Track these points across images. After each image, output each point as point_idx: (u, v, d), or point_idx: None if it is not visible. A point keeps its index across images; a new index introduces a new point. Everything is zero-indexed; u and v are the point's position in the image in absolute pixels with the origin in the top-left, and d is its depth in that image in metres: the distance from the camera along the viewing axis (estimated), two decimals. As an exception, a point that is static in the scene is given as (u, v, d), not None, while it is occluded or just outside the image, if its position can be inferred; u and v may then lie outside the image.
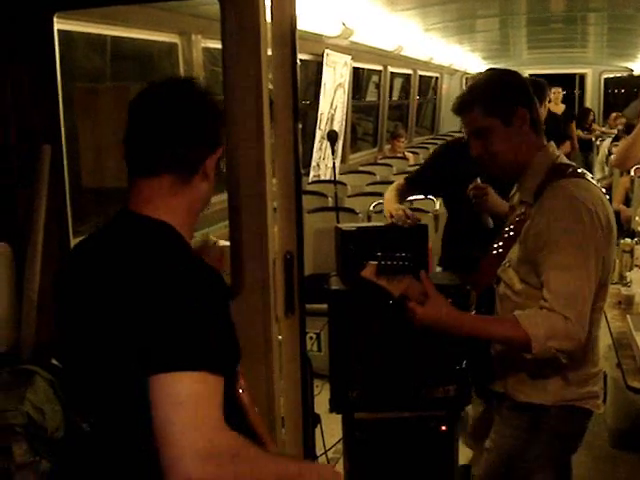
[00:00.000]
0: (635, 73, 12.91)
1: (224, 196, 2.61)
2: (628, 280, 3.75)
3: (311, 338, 4.29)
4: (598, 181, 2.80)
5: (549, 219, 2.09)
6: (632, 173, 5.37)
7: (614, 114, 11.28)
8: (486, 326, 2.19)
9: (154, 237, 1.55)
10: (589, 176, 2.22)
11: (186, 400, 1.36)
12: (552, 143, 2.31)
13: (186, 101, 1.59)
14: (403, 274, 2.22)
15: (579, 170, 2.21)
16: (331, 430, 3.12)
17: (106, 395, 1.56)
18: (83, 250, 1.67)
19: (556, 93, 9.53)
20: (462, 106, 2.28)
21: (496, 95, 2.22)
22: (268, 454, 1.65)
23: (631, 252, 3.92)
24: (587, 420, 2.28)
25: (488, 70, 2.41)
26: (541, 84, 4.20)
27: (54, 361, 2.45)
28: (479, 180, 2.86)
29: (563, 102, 10.10)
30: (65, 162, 2.68)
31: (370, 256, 2.30)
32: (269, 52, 2.42)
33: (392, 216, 2.78)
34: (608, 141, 8.24)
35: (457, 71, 12.91)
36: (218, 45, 2.48)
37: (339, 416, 2.95)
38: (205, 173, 1.60)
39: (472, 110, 2.24)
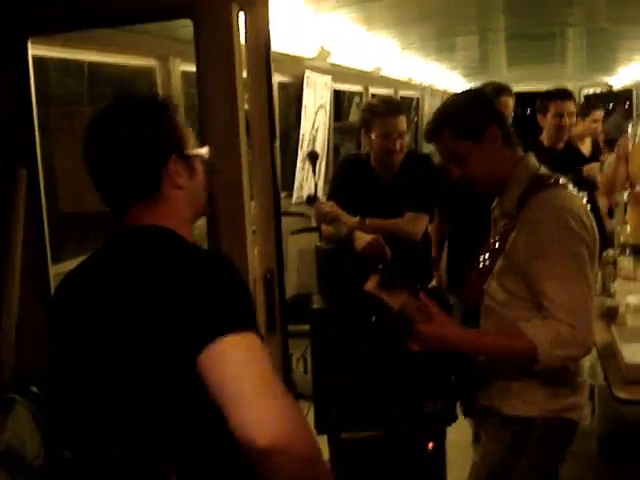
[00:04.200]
0: (614, 88, 13.02)
1: (203, 219, 2.60)
2: (612, 291, 3.76)
3: (297, 360, 4.27)
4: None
5: (538, 231, 2.09)
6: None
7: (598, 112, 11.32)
8: (492, 340, 2.18)
9: (161, 235, 1.57)
10: (571, 186, 2.23)
11: (250, 357, 1.35)
12: (531, 153, 2.32)
13: (117, 127, 1.57)
14: (402, 289, 2.22)
15: (561, 181, 2.22)
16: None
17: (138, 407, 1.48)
18: (86, 268, 1.64)
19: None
20: (432, 133, 2.30)
21: (464, 117, 2.23)
22: None
23: (614, 263, 3.93)
24: (573, 431, 2.27)
25: (453, 95, 2.44)
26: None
27: (34, 388, 2.42)
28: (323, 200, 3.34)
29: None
30: (42, 187, 2.66)
31: (369, 270, 2.30)
32: (244, 73, 2.42)
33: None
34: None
35: (438, 91, 12.97)
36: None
37: (325, 437, 2.93)
38: (173, 183, 1.60)
39: (442, 135, 2.26)
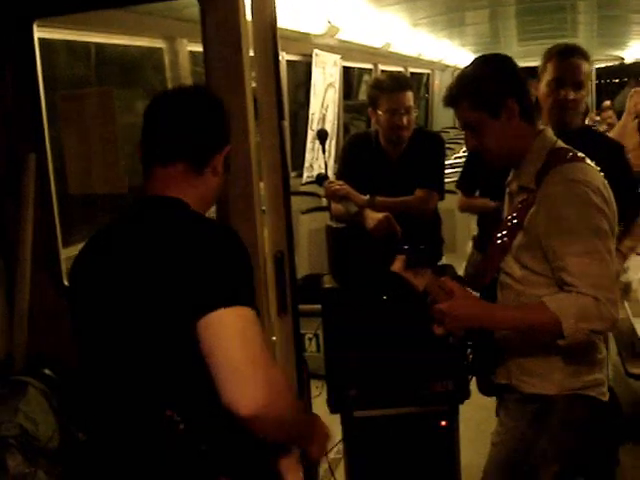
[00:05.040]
0: (626, 61, 12.90)
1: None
2: (625, 267, 3.74)
3: (309, 339, 4.27)
4: None
5: (559, 206, 2.06)
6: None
7: (607, 102, 11.28)
8: (518, 314, 2.15)
9: (176, 207, 1.68)
10: (588, 160, 2.20)
11: (242, 331, 1.50)
12: (548, 128, 2.29)
13: (198, 102, 1.77)
14: (425, 267, 2.21)
15: (579, 154, 2.19)
16: (332, 431, 3.09)
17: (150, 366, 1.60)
18: (107, 234, 1.76)
19: None
20: (450, 100, 2.26)
21: (482, 88, 2.19)
22: None
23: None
24: (595, 409, 2.24)
25: (477, 59, 2.36)
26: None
27: (47, 371, 2.44)
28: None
29: None
30: (51, 170, 2.66)
31: (393, 250, 2.29)
32: (251, 52, 2.40)
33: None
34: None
35: (448, 67, 12.88)
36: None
37: (339, 417, 2.93)
38: (214, 168, 1.75)
39: (459, 104, 2.23)
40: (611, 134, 4.65)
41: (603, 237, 2.06)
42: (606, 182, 2.16)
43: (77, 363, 1.77)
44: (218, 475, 1.61)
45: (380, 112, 3.39)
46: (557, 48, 3.09)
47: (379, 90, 3.41)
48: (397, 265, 2.24)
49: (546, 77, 3.04)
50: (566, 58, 3.00)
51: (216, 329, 1.49)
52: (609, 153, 2.94)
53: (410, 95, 3.39)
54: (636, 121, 4.62)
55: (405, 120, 3.36)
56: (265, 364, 1.50)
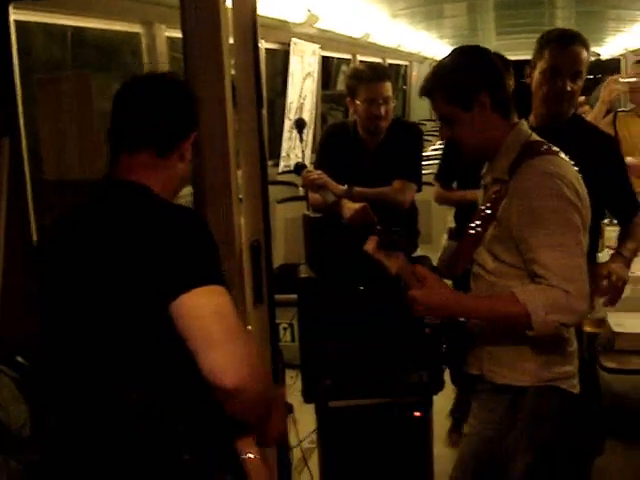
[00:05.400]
0: (602, 58, 12.97)
1: (189, 188, 2.57)
2: (599, 261, 3.75)
3: (284, 329, 4.27)
4: None
5: (531, 198, 2.08)
6: None
7: (582, 98, 11.34)
8: (487, 304, 2.16)
9: (141, 192, 1.72)
10: (562, 154, 2.21)
11: (217, 308, 1.54)
12: (523, 121, 2.29)
13: (164, 89, 1.81)
14: (399, 250, 2.20)
15: (553, 148, 2.20)
16: (306, 421, 3.10)
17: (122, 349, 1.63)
18: (72, 217, 1.79)
19: None
20: (424, 91, 2.28)
21: (455, 82, 2.19)
22: None
23: (601, 233, 3.92)
24: (566, 401, 2.26)
25: (454, 50, 2.36)
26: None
27: (19, 358, 2.41)
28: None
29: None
30: (25, 155, 2.62)
31: (366, 232, 2.28)
32: (231, 39, 2.38)
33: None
34: None
35: (426, 58, 12.89)
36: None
37: (313, 406, 2.93)
38: (181, 154, 1.78)
39: (435, 96, 2.24)
40: None
41: (575, 230, 2.07)
42: (580, 176, 2.17)
43: (41, 346, 1.80)
44: (182, 454, 1.65)
45: (358, 102, 3.38)
46: (555, 33, 2.82)
47: (357, 80, 3.40)
48: (370, 245, 2.23)
49: (541, 64, 2.77)
50: (565, 45, 2.74)
51: (193, 308, 1.52)
52: (601, 145, 2.84)
53: (388, 85, 3.39)
54: (610, 115, 4.62)
55: (383, 110, 3.36)
56: (244, 340, 1.56)
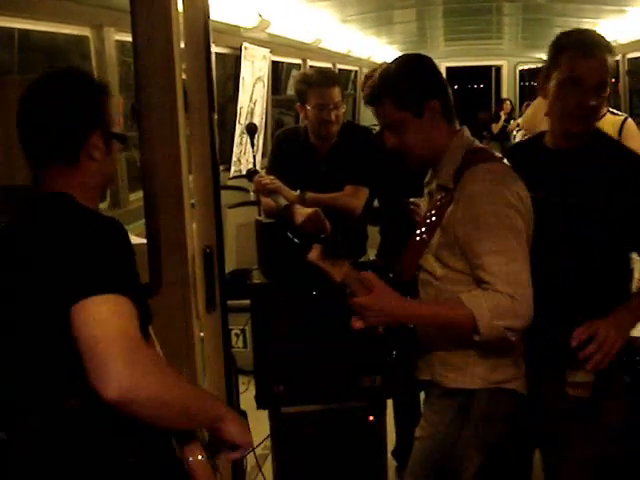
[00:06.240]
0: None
1: (141, 194, 2.54)
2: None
3: (236, 335, 4.25)
4: None
5: (475, 205, 2.09)
6: None
7: (525, 103, 11.55)
8: (434, 310, 2.17)
9: (59, 201, 1.70)
10: (505, 160, 2.24)
11: (106, 317, 1.50)
12: (465, 127, 2.31)
13: (52, 94, 1.74)
14: (344, 259, 2.20)
15: (496, 154, 2.23)
16: (260, 427, 3.08)
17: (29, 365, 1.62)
18: None
19: None
20: (372, 99, 2.28)
21: (406, 88, 2.20)
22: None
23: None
24: (514, 401, 2.29)
25: (399, 58, 2.36)
26: None
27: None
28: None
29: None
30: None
31: (312, 241, 2.27)
32: (182, 43, 2.36)
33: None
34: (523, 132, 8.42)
35: (376, 64, 12.98)
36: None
37: (266, 412, 2.92)
38: (89, 155, 1.74)
39: (382, 103, 2.24)
40: (522, 120, 4.55)
41: (519, 235, 2.09)
42: (522, 182, 2.19)
43: None
44: (126, 457, 1.64)
45: (309, 107, 3.38)
46: (575, 37, 2.34)
47: (307, 85, 3.40)
48: (314, 254, 2.22)
49: (558, 74, 2.28)
50: (588, 53, 2.25)
51: (80, 318, 1.50)
52: (629, 165, 2.32)
53: (338, 90, 3.40)
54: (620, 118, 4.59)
55: (334, 115, 3.37)
56: (128, 347, 1.49)
